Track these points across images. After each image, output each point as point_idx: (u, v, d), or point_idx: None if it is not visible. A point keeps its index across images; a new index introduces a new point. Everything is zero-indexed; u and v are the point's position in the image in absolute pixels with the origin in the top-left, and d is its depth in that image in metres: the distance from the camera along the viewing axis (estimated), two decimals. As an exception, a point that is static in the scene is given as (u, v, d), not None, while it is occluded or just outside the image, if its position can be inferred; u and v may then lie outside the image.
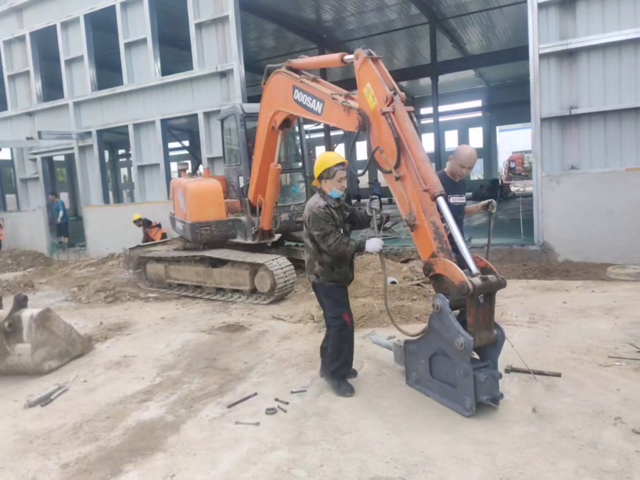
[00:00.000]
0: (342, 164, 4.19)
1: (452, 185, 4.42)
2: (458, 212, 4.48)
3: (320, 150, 34.56)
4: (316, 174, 4.24)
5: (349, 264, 4.33)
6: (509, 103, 30.42)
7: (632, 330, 5.13)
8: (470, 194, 27.99)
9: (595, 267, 8.75)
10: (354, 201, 25.64)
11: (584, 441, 3.20)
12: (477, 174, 36.52)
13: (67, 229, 16.83)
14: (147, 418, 4.07)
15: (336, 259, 4.18)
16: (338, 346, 4.22)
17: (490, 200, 4.56)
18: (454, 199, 4.41)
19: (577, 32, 9.17)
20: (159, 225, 12.71)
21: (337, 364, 4.22)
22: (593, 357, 4.51)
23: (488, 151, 35.07)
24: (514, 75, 27.86)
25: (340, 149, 33.66)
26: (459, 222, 4.39)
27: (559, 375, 4.15)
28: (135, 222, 12.80)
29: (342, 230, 4.24)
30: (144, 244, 10.65)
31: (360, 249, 4.12)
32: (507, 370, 4.24)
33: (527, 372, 4.18)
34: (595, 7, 9.01)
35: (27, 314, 5.22)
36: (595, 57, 9.13)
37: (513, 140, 39.36)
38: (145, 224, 12.72)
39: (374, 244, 4.09)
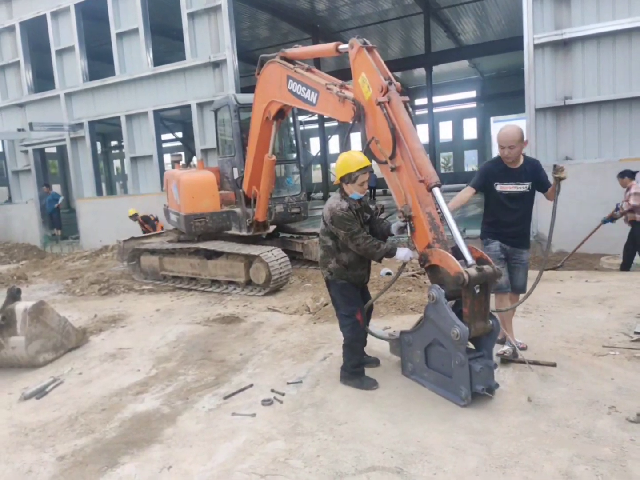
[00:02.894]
0: (364, 167, 4.02)
1: (506, 171, 4.25)
2: (509, 200, 4.27)
3: (315, 141, 34.50)
4: (337, 175, 4.09)
5: (366, 268, 4.23)
6: (503, 94, 30.40)
7: (626, 319, 5.17)
8: (464, 184, 28.06)
9: (588, 257, 8.80)
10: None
11: (579, 430, 3.22)
12: (471, 164, 36.61)
13: (60, 221, 16.76)
14: (143, 410, 4.06)
15: (355, 260, 4.08)
16: (352, 346, 4.15)
17: (554, 164, 4.11)
18: (502, 187, 4.24)
19: (571, 22, 9.16)
20: (156, 219, 12.59)
21: (353, 361, 4.15)
22: (587, 347, 4.54)
23: (482, 142, 35.10)
24: (508, 65, 27.83)
25: (334, 140, 33.63)
26: (512, 212, 4.26)
27: (553, 365, 4.17)
28: (131, 217, 12.59)
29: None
30: (138, 236, 10.59)
31: (390, 254, 3.99)
32: (502, 360, 4.26)
33: (522, 362, 4.20)
34: (590, -3, 8.99)
35: (20, 306, 5.19)
36: (589, 47, 9.13)
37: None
38: (145, 220, 12.52)
39: (405, 253, 4.00)
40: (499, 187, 4.25)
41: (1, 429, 3.92)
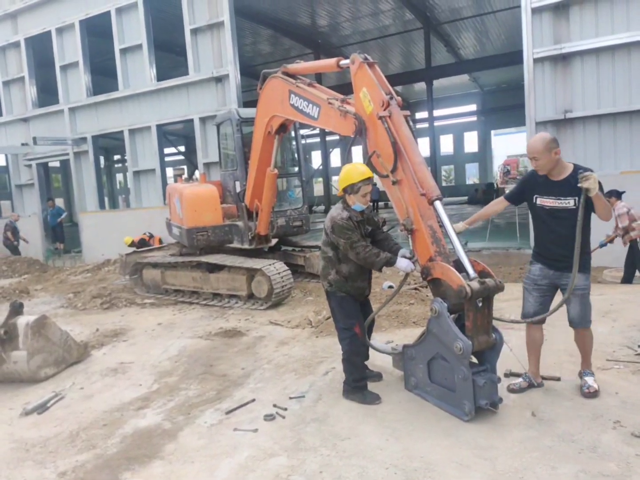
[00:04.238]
0: (367, 179, 4.04)
1: (547, 183, 3.72)
2: (550, 216, 3.72)
3: (316, 155, 34.66)
4: (340, 186, 4.11)
5: (367, 279, 4.21)
6: (503, 107, 30.58)
7: (630, 333, 5.14)
8: (465, 197, 28.09)
9: (591, 270, 8.76)
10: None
11: (584, 445, 3.19)
12: (472, 177, 36.72)
13: (63, 235, 16.82)
14: (145, 425, 4.03)
15: (356, 271, 4.07)
16: (351, 360, 4.14)
17: (579, 171, 3.48)
18: (542, 201, 3.74)
19: (570, 37, 9.25)
20: (151, 237, 12.57)
21: (355, 376, 4.14)
22: (591, 361, 4.50)
23: (483, 155, 35.25)
24: (508, 79, 28.04)
25: (336, 154, 33.77)
26: (553, 230, 3.73)
27: (558, 379, 4.15)
28: (129, 246, 12.17)
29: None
30: (141, 249, 10.61)
31: (390, 263, 3.98)
32: (506, 375, 4.23)
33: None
34: (589, 12, 9.09)
35: (22, 321, 5.18)
36: (589, 61, 9.20)
37: (508, 144, 39.60)
38: (142, 244, 12.31)
39: (405, 263, 3.98)
40: (539, 201, 3.76)
41: (2, 445, 3.90)
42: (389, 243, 4.24)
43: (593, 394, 3.78)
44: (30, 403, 4.58)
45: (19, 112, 16.32)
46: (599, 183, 3.46)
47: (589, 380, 3.88)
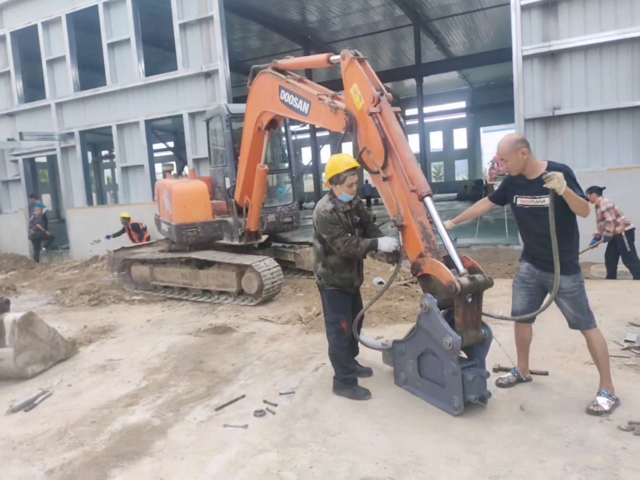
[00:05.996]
0: (353, 169, 4.04)
1: (525, 183, 3.67)
2: (529, 215, 3.67)
3: (306, 151, 34.62)
4: (326, 177, 4.13)
5: (355, 270, 4.20)
6: (492, 104, 30.78)
7: (616, 328, 5.20)
8: (455, 194, 28.24)
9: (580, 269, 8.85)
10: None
11: (571, 439, 3.23)
12: (462, 174, 36.91)
13: (46, 228, 16.59)
14: (134, 422, 4.01)
15: (342, 262, 4.08)
16: (335, 354, 4.17)
17: (542, 172, 3.45)
18: (521, 201, 3.71)
19: (559, 34, 9.30)
20: (145, 229, 12.50)
21: (341, 369, 4.16)
22: (579, 355, 4.55)
23: (472, 152, 35.45)
24: (498, 76, 28.20)
25: (326, 150, 33.75)
26: (532, 229, 3.69)
27: (545, 373, 4.19)
28: (122, 219, 12.30)
29: (350, 234, 4.05)
30: (129, 246, 10.53)
31: (372, 248, 3.97)
32: (495, 369, 4.27)
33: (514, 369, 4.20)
34: (577, 9, 9.15)
35: (9, 317, 5.13)
36: (577, 59, 9.27)
37: (497, 141, 39.76)
38: (134, 228, 12.36)
39: (388, 243, 3.97)
40: (519, 201, 3.73)
41: (-12, 443, 3.85)
42: (376, 235, 4.26)
43: (597, 412, 3.48)
44: (17, 400, 4.53)
45: (4, 107, 16.08)
46: (573, 179, 3.44)
47: (600, 400, 3.56)
